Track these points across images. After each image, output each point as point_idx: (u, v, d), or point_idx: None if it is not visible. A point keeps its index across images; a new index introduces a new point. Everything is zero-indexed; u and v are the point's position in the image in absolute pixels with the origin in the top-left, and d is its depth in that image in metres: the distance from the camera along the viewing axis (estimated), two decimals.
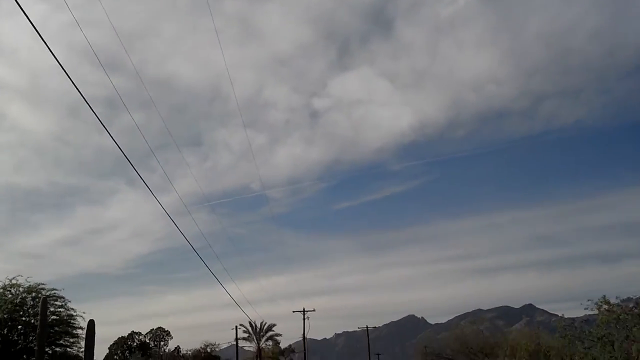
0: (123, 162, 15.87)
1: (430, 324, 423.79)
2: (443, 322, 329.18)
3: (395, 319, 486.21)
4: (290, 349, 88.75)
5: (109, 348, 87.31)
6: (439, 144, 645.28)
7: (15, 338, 33.05)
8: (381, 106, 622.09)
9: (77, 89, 13.25)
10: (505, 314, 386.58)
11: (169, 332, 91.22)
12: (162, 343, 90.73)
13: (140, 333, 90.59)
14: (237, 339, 75.28)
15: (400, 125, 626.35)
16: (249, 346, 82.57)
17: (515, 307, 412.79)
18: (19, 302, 33.07)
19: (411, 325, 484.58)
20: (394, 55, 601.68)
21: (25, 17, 11.07)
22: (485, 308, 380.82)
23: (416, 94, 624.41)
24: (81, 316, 34.20)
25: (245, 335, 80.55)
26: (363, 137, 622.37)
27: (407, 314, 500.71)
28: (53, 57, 12.16)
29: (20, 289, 33.52)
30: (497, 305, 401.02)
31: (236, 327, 75.44)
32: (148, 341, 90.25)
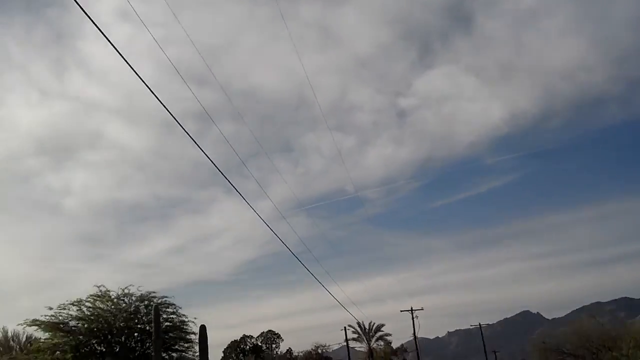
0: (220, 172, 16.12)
1: (547, 319, 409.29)
2: (560, 316, 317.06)
3: (508, 316, 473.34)
4: (402, 349, 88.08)
5: (223, 352, 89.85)
6: (533, 136, 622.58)
7: (133, 345, 34.39)
8: (470, 101, 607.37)
9: (165, 107, 13.51)
10: (626, 305, 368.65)
11: (279, 335, 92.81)
12: (273, 345, 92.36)
13: (252, 336, 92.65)
14: (347, 340, 75.48)
15: (492, 119, 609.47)
16: (360, 347, 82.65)
17: (636, 297, 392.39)
18: (133, 310, 34.41)
19: (526, 321, 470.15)
20: (477, 50, 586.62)
21: (109, 42, 11.36)
22: (603, 300, 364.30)
23: (505, 87, 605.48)
24: (193, 322, 35.19)
25: (355, 335, 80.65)
26: (454, 133, 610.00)
27: (521, 310, 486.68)
28: (139, 78, 12.43)
29: (133, 298, 34.87)
30: (616, 297, 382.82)
31: (345, 328, 75.67)
32: (260, 344, 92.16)
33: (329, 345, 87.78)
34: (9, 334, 49.60)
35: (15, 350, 46.42)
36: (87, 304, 34.47)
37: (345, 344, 75.86)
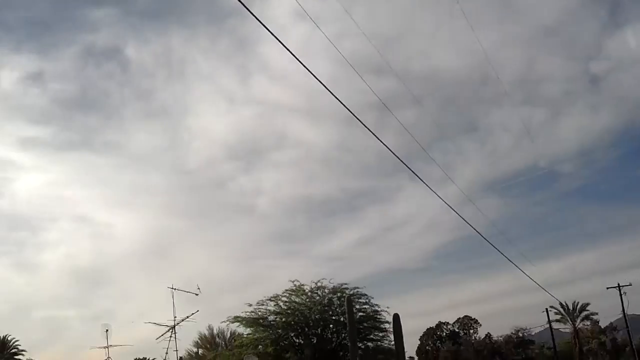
0: (405, 158, 15.52)
1: None
2: None
3: None
4: (611, 327, 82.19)
5: (419, 339, 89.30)
6: None
7: (329, 336, 34.92)
8: None
9: (342, 103, 13.02)
10: None
11: (477, 320, 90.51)
12: (471, 331, 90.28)
13: (448, 322, 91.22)
14: (549, 322, 71.80)
15: None
16: (564, 328, 78.40)
17: None
18: (327, 302, 34.89)
19: None
20: None
21: (284, 47, 11.12)
22: None
23: None
24: (386, 311, 34.99)
25: (558, 317, 76.54)
26: None
27: None
28: (316, 79, 12.10)
29: (326, 291, 35.35)
30: None
31: (547, 309, 71.97)
32: (457, 330, 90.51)
33: (530, 328, 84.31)
34: (215, 331, 52.64)
35: (221, 346, 49.10)
36: (283, 298, 35.54)
37: (547, 325, 72.22)
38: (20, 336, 68.12)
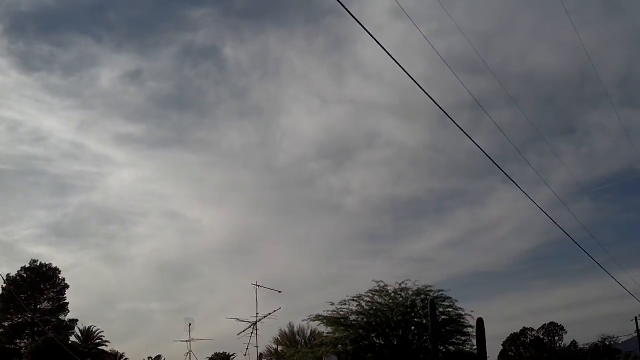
0: (497, 160, 15.59)
1: None
2: None
3: None
4: None
5: (502, 345, 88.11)
6: None
7: (410, 338, 35.12)
8: None
9: (435, 102, 13.41)
10: None
11: (563, 327, 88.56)
12: (556, 338, 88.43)
13: (532, 329, 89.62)
14: (638, 330, 69.65)
15: None
16: None
17: None
18: (410, 304, 35.09)
19: None
20: None
21: (379, 45, 11.58)
22: None
23: None
24: (470, 315, 34.91)
25: None
26: None
27: None
28: (410, 78, 12.52)
29: (410, 292, 35.52)
30: None
31: (636, 318, 69.80)
32: (541, 337, 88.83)
33: (617, 337, 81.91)
34: (295, 329, 53.60)
35: (301, 344, 49.96)
36: (366, 299, 35.88)
37: (635, 334, 70.07)
38: (105, 327, 71.48)
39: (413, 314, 35.04)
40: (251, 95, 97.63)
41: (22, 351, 64.39)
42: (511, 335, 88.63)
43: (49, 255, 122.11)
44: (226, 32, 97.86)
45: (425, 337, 33.62)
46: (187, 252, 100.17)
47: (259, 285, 36.28)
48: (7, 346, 67.36)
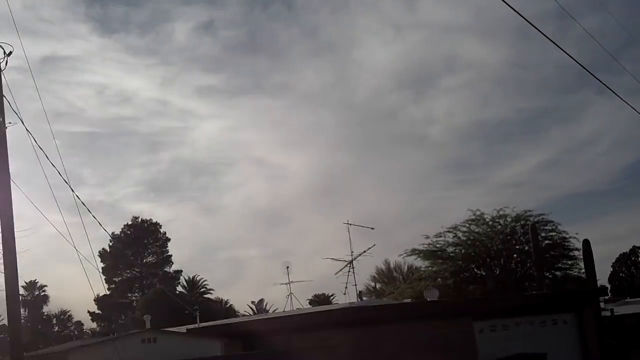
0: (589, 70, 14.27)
1: None
2: None
3: None
4: None
5: (611, 266, 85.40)
6: None
7: (513, 266, 34.34)
8: None
9: (517, 12, 12.34)
10: None
11: None
12: None
13: None
14: None
15: None
16: None
17: None
18: (509, 231, 34.17)
19: None
20: None
21: None
22: None
23: None
24: (574, 237, 33.71)
25: None
26: None
27: None
28: None
29: (508, 219, 34.55)
30: None
31: None
32: None
33: None
34: (392, 265, 53.66)
35: (399, 280, 49.97)
36: (462, 229, 35.26)
37: None
38: (207, 276, 74.17)
39: (514, 241, 34.16)
40: (323, 32, 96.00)
41: (134, 304, 67.81)
42: (620, 255, 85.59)
43: (148, 211, 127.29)
44: None
45: (528, 264, 32.75)
46: (277, 197, 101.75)
47: (350, 224, 36.09)
48: (120, 300, 71.05)
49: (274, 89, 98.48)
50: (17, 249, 11.17)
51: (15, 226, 11.32)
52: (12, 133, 11.69)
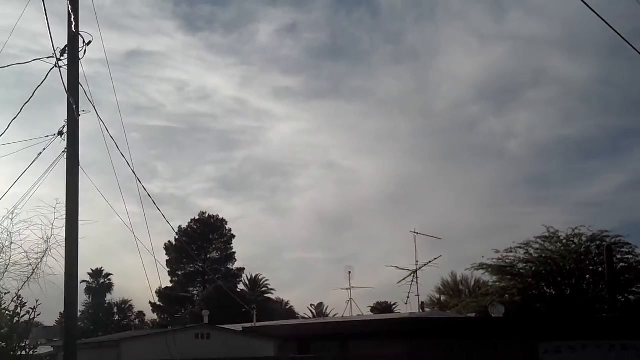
0: None
1: None
2: None
3: None
4: None
5: None
6: None
7: (585, 287, 33.38)
8: None
9: (610, 27, 11.69)
10: None
11: None
12: None
13: None
14: None
15: None
16: None
17: None
18: (583, 251, 33.25)
19: None
20: None
21: None
22: None
23: None
24: None
25: None
26: None
27: None
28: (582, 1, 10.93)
29: (583, 238, 33.69)
30: None
31: None
32: None
33: None
34: (458, 278, 52.61)
35: (464, 293, 48.96)
36: (534, 246, 34.64)
37: None
38: (270, 276, 74.41)
39: (587, 262, 33.20)
40: (406, 39, 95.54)
41: (195, 298, 68.71)
42: None
43: (217, 207, 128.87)
44: None
45: (601, 286, 31.76)
46: (346, 202, 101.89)
47: (417, 233, 35.51)
48: (182, 294, 72.10)
49: (351, 94, 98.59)
50: (81, 236, 11.27)
51: (81, 213, 11.43)
52: (94, 123, 11.95)
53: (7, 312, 11.89)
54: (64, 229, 11.28)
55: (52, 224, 12.37)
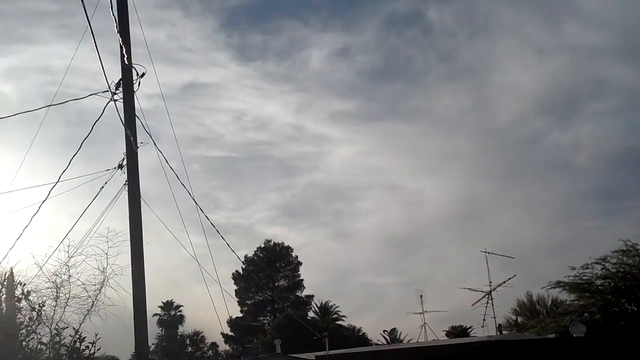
0: None
1: None
2: None
3: None
4: None
5: None
6: None
7: None
8: None
9: None
10: None
11: None
12: None
13: None
14: None
15: None
16: None
17: None
18: None
19: None
20: None
21: None
22: None
23: None
24: None
25: None
26: None
27: None
28: None
29: None
30: None
31: None
32: None
33: None
34: (534, 298, 51.57)
35: (542, 313, 47.94)
36: (612, 260, 33.63)
37: None
38: (340, 302, 74.30)
39: None
40: (460, 56, 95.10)
41: (266, 327, 69.20)
42: None
43: (282, 235, 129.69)
44: None
45: None
46: (412, 223, 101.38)
47: (489, 252, 35.05)
48: (252, 323, 72.77)
49: (408, 114, 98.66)
50: (150, 269, 11.49)
51: (147, 247, 11.68)
52: (155, 157, 12.34)
53: (65, 348, 11.83)
54: (116, 258, 11.52)
55: (107, 253, 12.56)
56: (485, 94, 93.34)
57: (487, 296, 35.39)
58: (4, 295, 11.90)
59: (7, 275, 11.94)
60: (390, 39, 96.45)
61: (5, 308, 11.88)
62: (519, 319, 51.04)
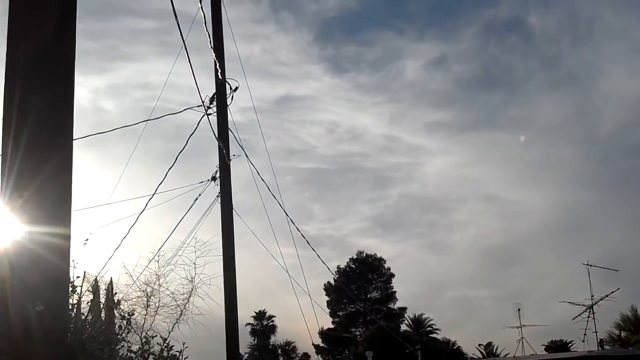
0: None
1: None
2: None
3: None
4: None
5: None
6: None
7: None
8: None
9: None
10: None
11: None
12: None
13: None
14: None
15: None
16: None
17: None
18: None
19: None
20: None
21: None
22: None
23: None
24: None
25: None
26: None
27: None
28: None
29: None
30: None
31: None
32: None
33: None
34: (639, 312, 49.51)
35: None
36: None
37: None
38: (434, 315, 73.45)
39: None
40: (563, 63, 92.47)
41: (358, 339, 69.18)
42: None
43: (375, 246, 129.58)
44: (528, 0, 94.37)
45: None
46: (510, 235, 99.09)
47: (590, 265, 33.92)
48: (344, 334, 72.87)
49: (508, 123, 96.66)
50: (243, 280, 11.78)
51: (240, 258, 11.98)
52: (248, 171, 12.63)
53: (153, 356, 12.20)
54: (204, 267, 11.67)
55: (195, 263, 12.91)
56: (589, 101, 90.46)
57: (588, 310, 34.28)
58: (103, 305, 12.37)
59: (107, 285, 12.44)
60: (489, 47, 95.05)
61: (105, 317, 12.35)
62: (623, 334, 49.09)
